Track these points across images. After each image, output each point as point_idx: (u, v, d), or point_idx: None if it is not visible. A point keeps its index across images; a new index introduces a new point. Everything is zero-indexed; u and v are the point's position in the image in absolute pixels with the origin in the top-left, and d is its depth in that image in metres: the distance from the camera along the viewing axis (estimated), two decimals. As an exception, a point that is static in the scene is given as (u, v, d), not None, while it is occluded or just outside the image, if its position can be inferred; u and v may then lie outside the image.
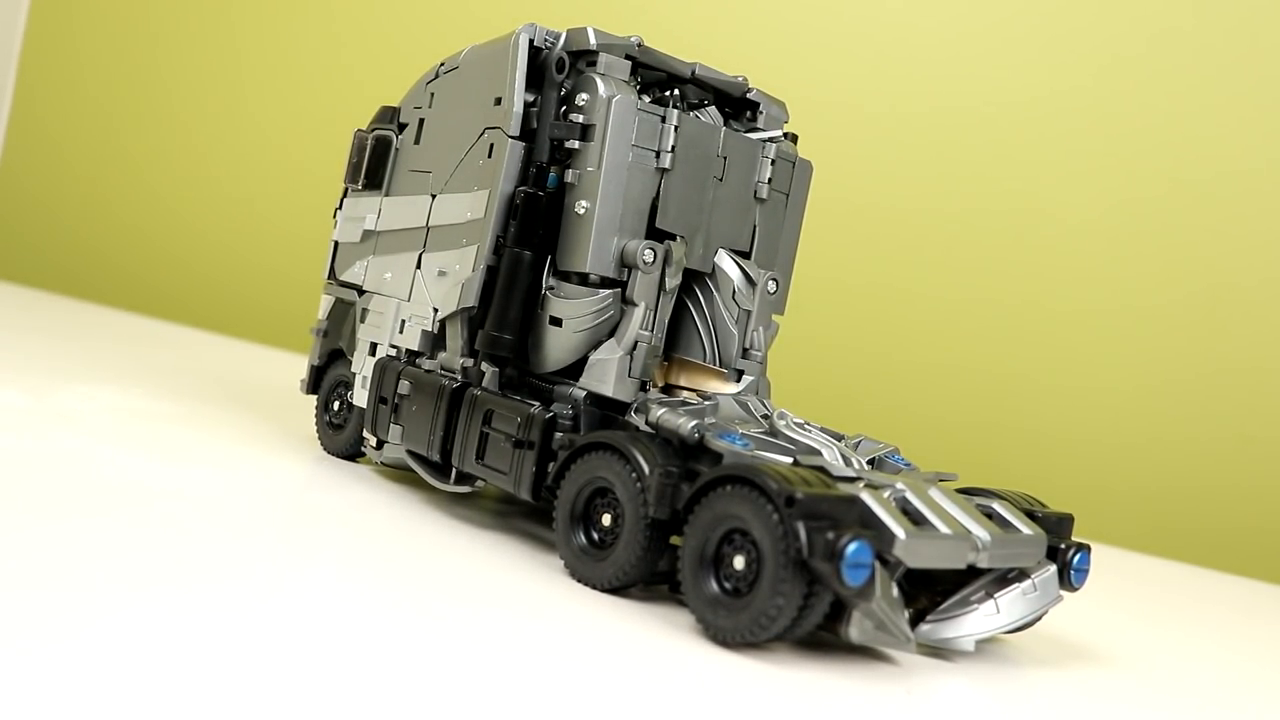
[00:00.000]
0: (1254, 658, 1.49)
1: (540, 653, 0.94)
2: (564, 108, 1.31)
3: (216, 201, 3.06)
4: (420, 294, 1.43)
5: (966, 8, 2.46)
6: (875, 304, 2.46)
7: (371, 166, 1.55)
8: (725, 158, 1.34)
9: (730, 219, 1.34)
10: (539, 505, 1.26)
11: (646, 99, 1.32)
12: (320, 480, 1.47)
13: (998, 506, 1.16)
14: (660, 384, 1.33)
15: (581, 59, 1.32)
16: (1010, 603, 1.12)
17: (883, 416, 2.31)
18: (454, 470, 1.36)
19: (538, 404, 1.25)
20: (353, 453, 1.58)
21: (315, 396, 1.64)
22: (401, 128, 1.53)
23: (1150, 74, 2.32)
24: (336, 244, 1.61)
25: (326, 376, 1.62)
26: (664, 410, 1.18)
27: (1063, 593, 1.17)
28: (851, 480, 1.08)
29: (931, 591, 1.14)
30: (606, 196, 1.27)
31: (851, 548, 0.96)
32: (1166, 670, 1.29)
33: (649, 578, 1.14)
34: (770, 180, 1.36)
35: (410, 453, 1.41)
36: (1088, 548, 1.19)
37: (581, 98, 1.29)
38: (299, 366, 1.89)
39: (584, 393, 1.26)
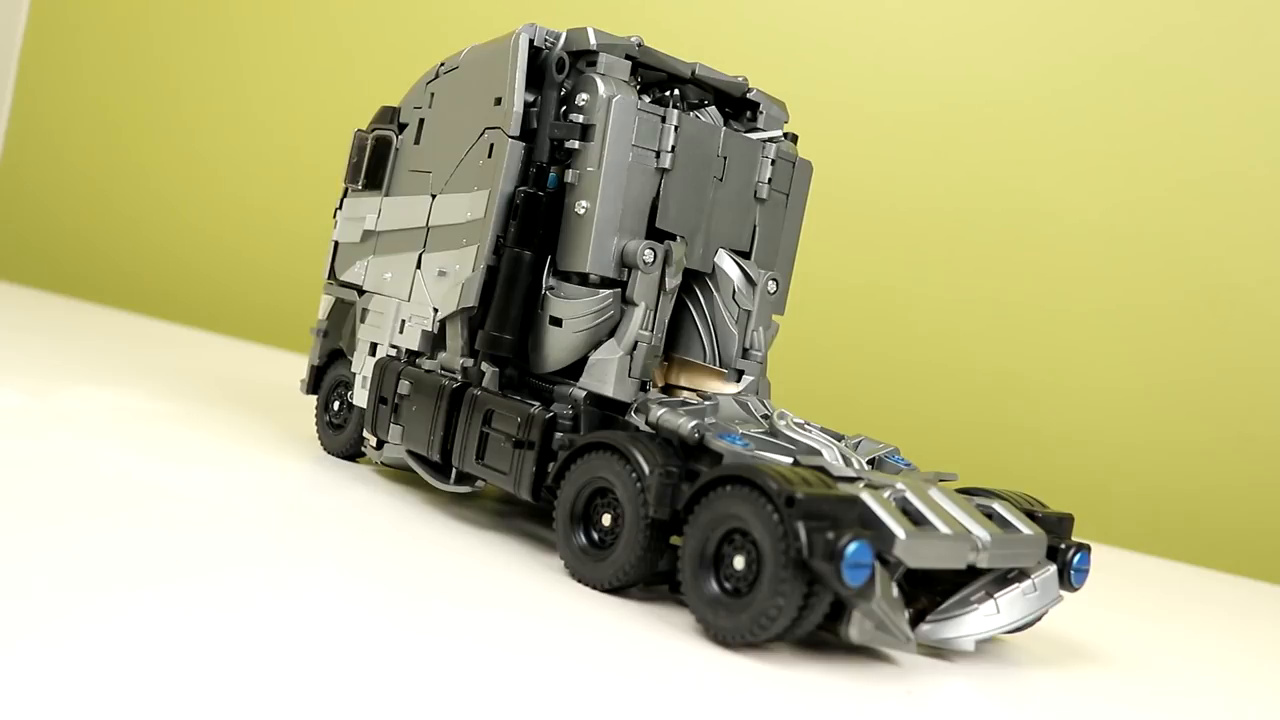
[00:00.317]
0: (1254, 658, 1.49)
1: (540, 653, 0.94)
2: (564, 108, 1.31)
3: (216, 201, 3.06)
4: (420, 294, 1.43)
5: (966, 8, 2.46)
6: (875, 304, 2.46)
7: (371, 166, 1.55)
8: (725, 158, 1.34)
9: (730, 219, 1.34)
10: (539, 505, 1.26)
11: (646, 99, 1.32)
12: (320, 480, 1.47)
13: (998, 506, 1.16)
14: (660, 384, 1.33)
15: (581, 59, 1.32)
16: (1010, 603, 1.12)
17: (883, 416, 2.31)
18: (454, 470, 1.36)
19: (538, 404, 1.25)
20: (353, 453, 1.58)
21: (315, 396, 1.64)
22: (401, 128, 1.53)
23: (1151, 74, 2.32)
24: (336, 244, 1.61)
25: (326, 376, 1.62)
26: (664, 410, 1.18)
27: (1063, 593, 1.17)
28: (851, 480, 1.08)
29: (931, 591, 1.14)
30: (606, 196, 1.27)
31: (851, 548, 0.96)
32: (1166, 670, 1.29)
33: (649, 578, 1.14)
34: (770, 180, 1.36)
35: (410, 453, 1.41)
36: (1088, 548, 1.19)
37: (581, 98, 1.29)
38: (299, 366, 1.89)
39: (584, 393, 1.26)
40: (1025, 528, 1.14)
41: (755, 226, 1.37)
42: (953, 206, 2.43)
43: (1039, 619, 1.18)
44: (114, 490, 1.21)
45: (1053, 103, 2.37)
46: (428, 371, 1.39)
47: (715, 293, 1.32)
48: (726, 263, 1.32)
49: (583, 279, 1.28)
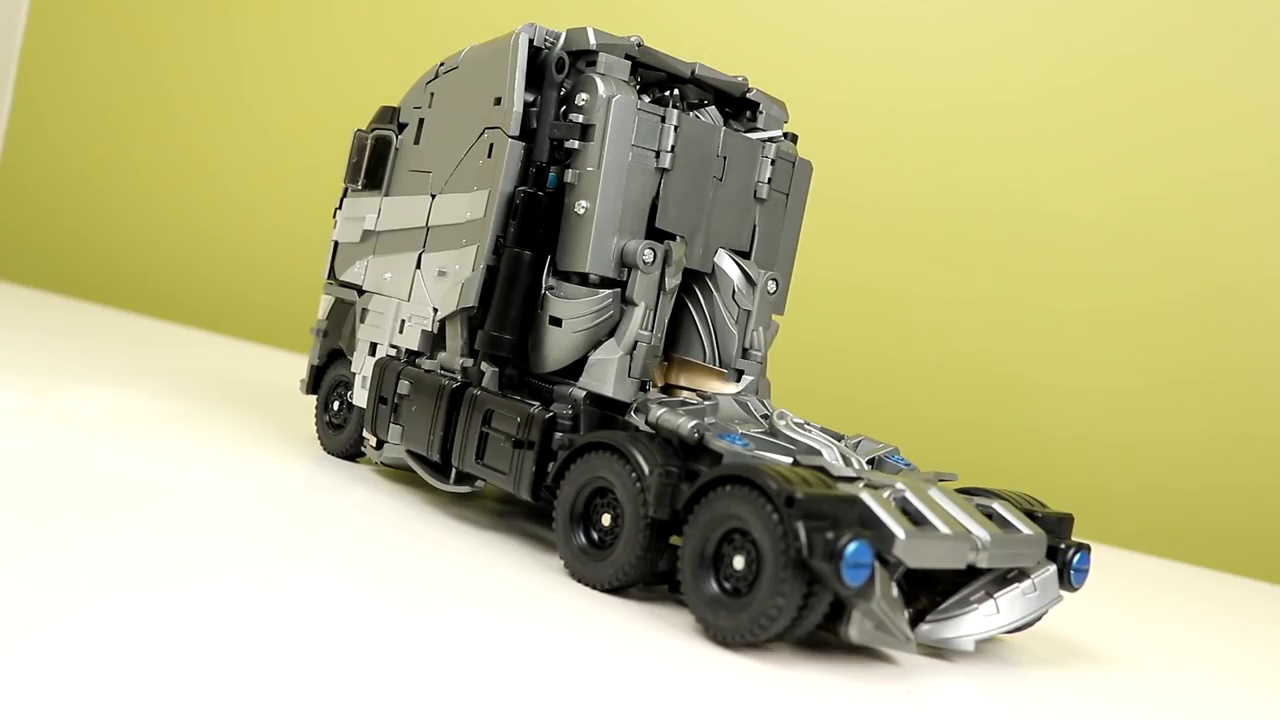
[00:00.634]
0: (1254, 658, 1.49)
1: (540, 653, 0.94)
2: (564, 108, 1.31)
3: (216, 201, 3.06)
4: (420, 294, 1.43)
5: (966, 8, 2.46)
6: (875, 304, 2.46)
7: (371, 166, 1.55)
8: (725, 158, 1.34)
9: (730, 219, 1.34)
10: (539, 505, 1.26)
11: (646, 99, 1.32)
12: (320, 480, 1.47)
13: (998, 506, 1.16)
14: (660, 384, 1.33)
15: (581, 59, 1.32)
16: (1010, 603, 1.12)
17: (883, 416, 2.31)
18: (454, 470, 1.36)
19: (537, 404, 1.25)
20: (353, 453, 1.58)
21: (315, 396, 1.64)
22: (401, 128, 1.53)
23: (1151, 74, 2.32)
24: (336, 244, 1.61)
25: (326, 376, 1.62)
26: (664, 410, 1.18)
27: (1063, 593, 1.17)
28: (851, 480, 1.08)
29: (931, 591, 1.14)
30: (606, 196, 1.27)
31: (851, 548, 0.95)
32: (1166, 670, 1.29)
33: (649, 578, 1.14)
34: (770, 180, 1.36)
35: (410, 453, 1.41)
36: (1087, 548, 1.19)
37: (581, 98, 1.29)
38: (299, 366, 1.89)
39: (584, 393, 1.26)
40: (1025, 528, 1.14)
41: (755, 226, 1.37)
42: (953, 206, 2.43)
43: (1039, 619, 1.17)
44: (114, 490, 1.21)
45: (1053, 103, 2.37)
46: (427, 371, 1.39)
47: (715, 293, 1.32)
48: (726, 263, 1.32)
49: (582, 279, 1.28)
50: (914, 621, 1.11)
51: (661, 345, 1.30)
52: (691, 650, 1.01)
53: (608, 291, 1.27)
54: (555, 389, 1.28)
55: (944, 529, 1.05)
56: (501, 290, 1.31)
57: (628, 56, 1.33)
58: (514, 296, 1.30)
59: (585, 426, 1.24)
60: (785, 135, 1.43)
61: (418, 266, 1.44)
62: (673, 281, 1.28)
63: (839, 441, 1.21)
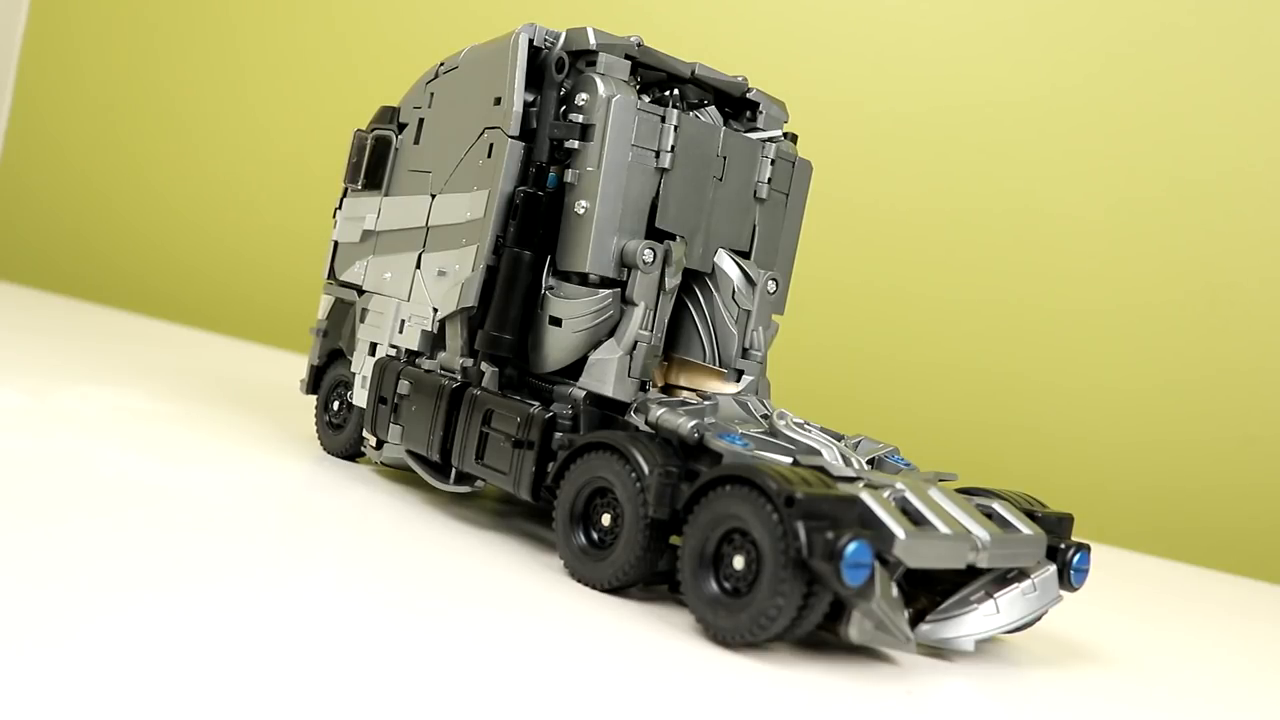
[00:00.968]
0: (1254, 658, 1.49)
1: (540, 653, 0.94)
2: (564, 108, 1.31)
3: (216, 201, 3.06)
4: (420, 294, 1.43)
5: (966, 8, 2.46)
6: (875, 304, 2.46)
7: (371, 166, 1.55)
8: (725, 158, 1.34)
9: (730, 219, 1.34)
10: (539, 505, 1.26)
11: (646, 99, 1.32)
12: (320, 480, 1.47)
13: (998, 506, 1.16)
14: (660, 384, 1.33)
15: (581, 59, 1.32)
16: (1010, 603, 1.12)
17: (883, 416, 2.31)
18: (454, 470, 1.36)
19: (537, 404, 1.25)
20: (353, 453, 1.58)
21: (315, 396, 1.64)
22: (401, 128, 1.53)
23: (1150, 73, 2.32)
24: (336, 244, 1.61)
25: (326, 376, 1.62)
26: (664, 410, 1.18)
27: (1062, 593, 1.17)
28: (851, 480, 1.08)
29: (931, 591, 1.14)
30: (606, 196, 1.27)
31: (851, 548, 0.95)
32: (1166, 670, 1.29)
33: (649, 578, 1.14)
34: (770, 180, 1.36)
35: (410, 453, 1.41)
36: (1087, 548, 1.19)
37: (581, 98, 1.29)
38: (299, 366, 1.89)
39: (584, 393, 1.26)
40: (1025, 528, 1.14)
41: (755, 226, 1.37)
42: (953, 206, 2.43)
43: (1039, 619, 1.17)
44: (114, 490, 1.21)
45: (1052, 102, 2.37)
46: (427, 371, 1.39)
47: (715, 292, 1.32)
48: (726, 263, 1.32)
49: (582, 279, 1.28)
50: (914, 621, 1.11)
51: (661, 345, 1.30)
52: (691, 650, 1.01)
53: (608, 291, 1.27)
54: (555, 389, 1.28)
55: (944, 529, 1.05)
56: (501, 290, 1.31)
57: (628, 56, 1.33)
58: (514, 296, 1.30)
59: (585, 426, 1.24)
60: (785, 135, 1.43)
61: (418, 266, 1.44)
62: (673, 281, 1.28)
63: (839, 441, 1.21)
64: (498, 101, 1.35)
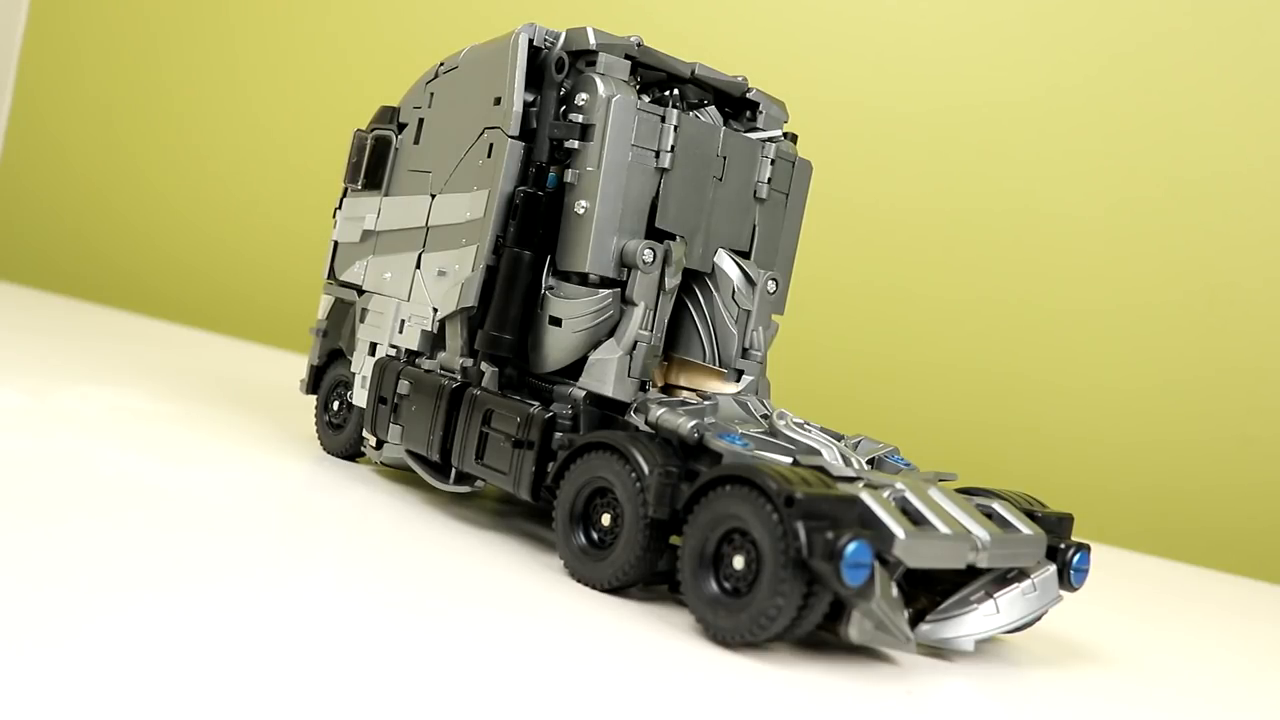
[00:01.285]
0: (1254, 658, 1.49)
1: (540, 653, 0.94)
2: (563, 107, 1.31)
3: (216, 201, 3.06)
4: (420, 294, 1.43)
5: (966, 8, 2.46)
6: (875, 304, 2.46)
7: (371, 166, 1.55)
8: (725, 157, 1.34)
9: (730, 219, 1.34)
10: (538, 505, 1.26)
11: (646, 99, 1.32)
12: (320, 480, 1.47)
13: (998, 506, 1.16)
14: (660, 384, 1.33)
15: (581, 59, 1.32)
16: (1010, 603, 1.12)
17: (883, 416, 2.31)
18: (454, 470, 1.36)
19: (537, 404, 1.25)
20: (352, 453, 1.58)
21: (315, 396, 1.64)
22: (401, 128, 1.53)
23: (1149, 73, 2.32)
24: (336, 244, 1.61)
25: (326, 376, 1.62)
26: (663, 410, 1.18)
27: (1062, 593, 1.17)
28: (851, 480, 1.08)
29: (931, 591, 1.14)
30: (606, 196, 1.27)
31: (851, 548, 0.95)
32: (1166, 670, 1.29)
33: (649, 578, 1.14)
34: (770, 180, 1.36)
35: (410, 453, 1.41)
36: (1087, 548, 1.19)
37: (581, 97, 1.29)
38: (299, 366, 1.89)
39: (583, 393, 1.26)
40: (1025, 528, 1.14)
41: (755, 226, 1.37)
42: (953, 206, 2.43)
43: (1039, 619, 1.17)
44: (114, 490, 1.21)
45: (1051, 102, 2.37)
46: (427, 371, 1.39)
47: (715, 292, 1.32)
48: (726, 262, 1.32)
49: (582, 279, 1.28)
50: (914, 621, 1.11)
51: (661, 345, 1.30)
52: (691, 650, 1.01)
53: (607, 291, 1.27)
54: (555, 389, 1.28)
55: (944, 529, 1.05)
56: (501, 290, 1.31)
57: (627, 56, 1.33)
58: (514, 296, 1.30)
59: (585, 426, 1.24)
60: (785, 135, 1.43)
61: (418, 266, 1.44)
62: (672, 281, 1.28)
63: (839, 441, 1.21)
64: (498, 101, 1.35)
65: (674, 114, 1.29)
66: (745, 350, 1.30)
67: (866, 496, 1.03)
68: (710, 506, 1.05)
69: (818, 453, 1.16)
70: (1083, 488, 2.25)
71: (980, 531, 1.08)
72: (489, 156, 1.35)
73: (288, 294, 2.69)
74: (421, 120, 1.50)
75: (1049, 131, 2.37)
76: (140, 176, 3.15)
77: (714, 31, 2.57)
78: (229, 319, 2.95)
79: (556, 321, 1.28)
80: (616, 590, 1.14)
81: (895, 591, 1.02)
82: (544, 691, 0.86)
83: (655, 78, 1.37)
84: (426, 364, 1.41)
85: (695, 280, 1.33)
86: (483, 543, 1.28)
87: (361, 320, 1.53)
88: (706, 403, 1.23)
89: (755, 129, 1.41)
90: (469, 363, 1.35)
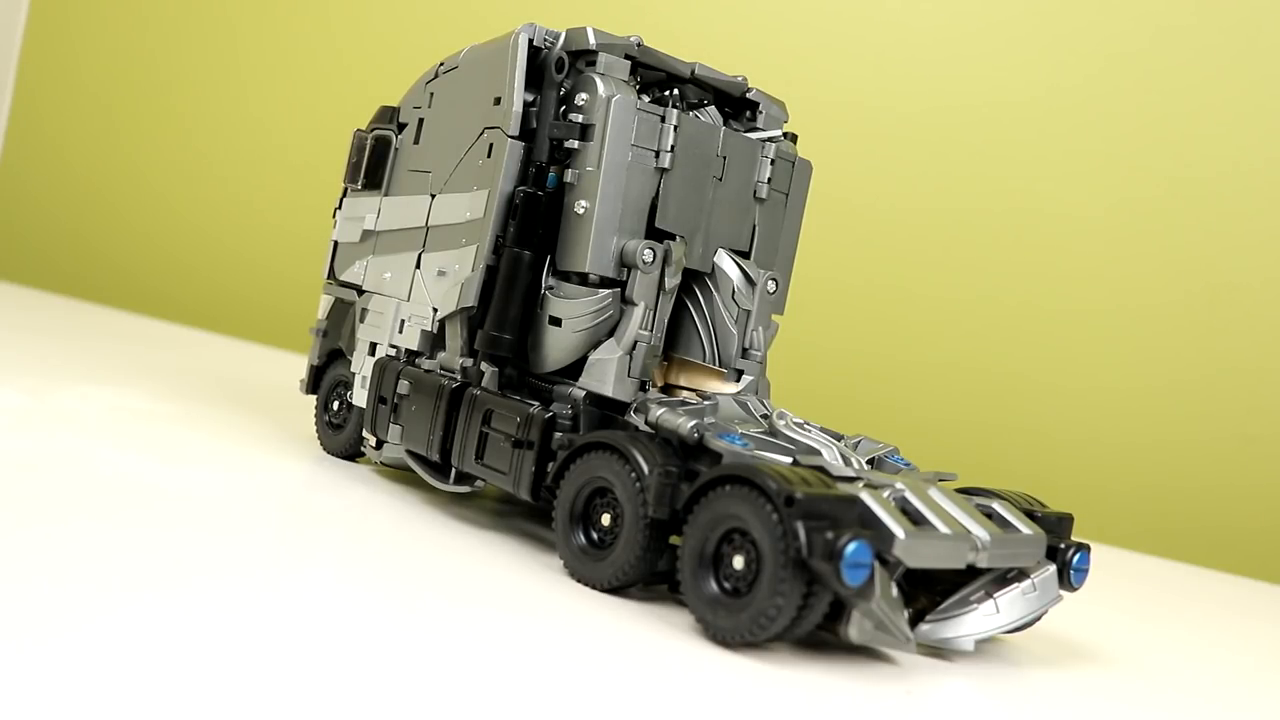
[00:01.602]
0: (1254, 658, 1.49)
1: (540, 653, 0.94)
2: (563, 107, 1.31)
3: (216, 201, 3.06)
4: (420, 294, 1.43)
5: (966, 8, 2.46)
6: (875, 304, 2.46)
7: (371, 166, 1.55)
8: (725, 157, 1.34)
9: (730, 219, 1.34)
10: (538, 505, 1.26)
11: (646, 99, 1.32)
12: (320, 480, 1.47)
13: (998, 506, 1.16)
14: (660, 384, 1.33)
15: (581, 59, 1.32)
16: (1010, 603, 1.12)
17: (883, 416, 2.31)
18: (454, 470, 1.36)
19: (537, 404, 1.25)
20: (352, 453, 1.58)
21: (315, 396, 1.64)
22: (401, 128, 1.53)
23: (1150, 73, 2.32)
24: (336, 244, 1.61)
25: (326, 376, 1.62)
26: (663, 410, 1.18)
27: (1062, 593, 1.17)
28: (851, 480, 1.08)
29: (931, 591, 1.14)
30: (606, 196, 1.27)
31: (851, 548, 0.95)
32: (1166, 670, 1.29)
33: (649, 578, 1.14)
34: (770, 180, 1.36)
35: (410, 453, 1.41)
36: (1087, 548, 1.19)
37: (581, 97, 1.29)
38: (299, 366, 1.89)
39: (583, 392, 1.26)
40: (1025, 528, 1.14)
41: (755, 226, 1.37)
42: (953, 206, 2.43)
43: (1039, 619, 1.17)
44: (113, 490, 1.20)
45: (1051, 102, 2.37)
46: (427, 371, 1.39)
47: (715, 292, 1.32)
48: (726, 262, 1.32)
49: (582, 279, 1.28)
50: (914, 621, 1.10)
51: (661, 345, 1.30)
52: (691, 650, 1.01)
53: (607, 291, 1.27)
54: (555, 389, 1.28)
55: (944, 529, 1.05)
56: (501, 290, 1.31)
57: (627, 56, 1.33)
58: (514, 296, 1.30)
59: (585, 426, 1.24)
60: (785, 135, 1.43)
61: (417, 266, 1.44)
62: (672, 281, 1.28)
63: (839, 441, 1.21)
64: (497, 101, 1.35)
65: (674, 114, 1.29)
66: (745, 350, 1.30)
67: (866, 496, 1.03)
68: (710, 506, 1.05)
69: (818, 453, 1.16)
70: (1083, 488, 2.25)
71: (980, 531, 1.08)
72: (489, 156, 1.35)
73: (288, 294, 2.69)
74: (421, 120, 1.50)
75: (1049, 131, 2.37)
76: (140, 176, 3.15)
77: (714, 31, 2.57)
78: (229, 319, 2.95)
79: (556, 321, 1.28)
80: (616, 590, 1.14)
81: (895, 591, 1.02)
82: (544, 691, 0.86)
83: (655, 78, 1.37)
84: (426, 364, 1.41)
85: (695, 280, 1.33)
86: (483, 543, 1.27)
87: (361, 320, 1.53)
88: (706, 403, 1.23)
89: (755, 129, 1.41)
90: (469, 363, 1.35)
